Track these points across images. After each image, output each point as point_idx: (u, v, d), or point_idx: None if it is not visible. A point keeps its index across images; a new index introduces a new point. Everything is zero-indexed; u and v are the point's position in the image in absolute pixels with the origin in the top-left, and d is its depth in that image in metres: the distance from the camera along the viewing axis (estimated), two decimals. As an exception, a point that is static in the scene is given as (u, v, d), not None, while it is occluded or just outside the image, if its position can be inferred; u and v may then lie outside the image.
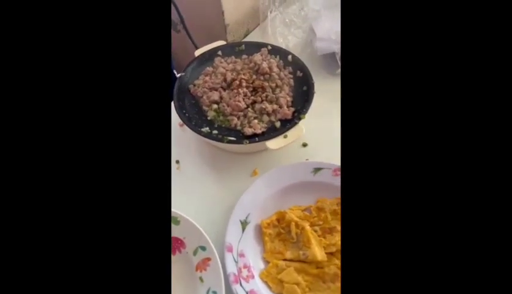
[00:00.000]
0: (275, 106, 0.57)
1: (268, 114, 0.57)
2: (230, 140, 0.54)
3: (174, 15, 0.82)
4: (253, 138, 0.54)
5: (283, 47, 0.67)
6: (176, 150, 0.62)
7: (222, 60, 0.66)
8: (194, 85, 0.62)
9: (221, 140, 0.54)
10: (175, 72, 1.04)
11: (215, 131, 0.56)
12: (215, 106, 0.58)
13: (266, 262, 0.49)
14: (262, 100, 0.58)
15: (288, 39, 0.76)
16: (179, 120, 0.65)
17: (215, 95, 0.59)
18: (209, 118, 0.58)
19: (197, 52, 0.67)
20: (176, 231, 0.50)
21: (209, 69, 0.64)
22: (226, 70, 0.63)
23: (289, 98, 0.58)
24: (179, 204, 0.56)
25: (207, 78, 0.63)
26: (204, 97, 0.59)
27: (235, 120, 0.57)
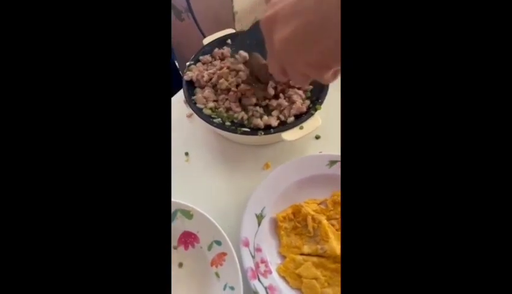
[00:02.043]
0: (285, 103, 0.55)
1: (280, 111, 0.55)
2: (244, 131, 0.52)
3: (179, 2, 0.79)
4: (267, 129, 0.53)
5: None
6: (185, 142, 0.60)
7: (228, 50, 0.63)
8: (189, 69, 0.60)
9: (235, 131, 0.52)
10: (176, 63, 1.01)
11: (228, 123, 0.54)
12: (211, 104, 0.56)
13: (282, 257, 0.48)
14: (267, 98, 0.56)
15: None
16: (187, 111, 0.63)
17: (211, 95, 0.57)
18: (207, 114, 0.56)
19: (205, 41, 0.64)
20: (189, 225, 0.49)
21: (207, 57, 0.62)
22: (222, 67, 0.60)
23: (301, 92, 0.57)
24: (190, 198, 0.54)
25: (202, 67, 0.61)
26: (200, 95, 0.57)
27: (242, 114, 0.55)
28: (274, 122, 0.53)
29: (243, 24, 0.76)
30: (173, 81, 0.96)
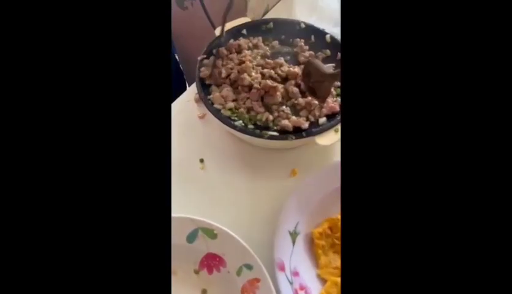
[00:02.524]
0: (315, 102, 0.48)
1: (309, 111, 0.48)
2: (272, 136, 0.46)
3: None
4: (297, 132, 0.46)
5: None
6: (198, 147, 0.53)
7: (245, 41, 0.56)
8: (203, 65, 0.53)
9: (261, 136, 0.46)
10: (176, 57, 0.93)
11: (250, 126, 0.48)
12: (230, 104, 0.49)
13: (322, 280, 0.42)
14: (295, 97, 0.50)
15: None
16: (199, 112, 0.56)
17: (230, 94, 0.50)
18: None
19: (218, 31, 0.57)
20: (212, 247, 0.42)
21: (223, 50, 0.55)
22: (241, 61, 0.53)
23: (331, 89, 0.50)
24: (208, 212, 0.47)
25: (218, 61, 0.53)
26: (217, 94, 0.50)
27: (266, 115, 0.48)
28: (304, 124, 0.47)
29: (255, 12, 0.68)
30: (174, 76, 0.88)
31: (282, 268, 0.40)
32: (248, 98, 0.49)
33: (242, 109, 0.48)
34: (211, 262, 0.42)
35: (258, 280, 0.40)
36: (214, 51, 0.55)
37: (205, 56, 0.54)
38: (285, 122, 0.47)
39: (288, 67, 0.52)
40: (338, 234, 0.44)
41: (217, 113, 0.48)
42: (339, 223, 0.44)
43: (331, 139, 0.45)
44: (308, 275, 0.42)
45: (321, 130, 0.45)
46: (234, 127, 0.46)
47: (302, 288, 0.40)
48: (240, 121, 0.48)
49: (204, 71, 0.52)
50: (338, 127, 0.46)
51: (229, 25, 0.57)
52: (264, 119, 0.48)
